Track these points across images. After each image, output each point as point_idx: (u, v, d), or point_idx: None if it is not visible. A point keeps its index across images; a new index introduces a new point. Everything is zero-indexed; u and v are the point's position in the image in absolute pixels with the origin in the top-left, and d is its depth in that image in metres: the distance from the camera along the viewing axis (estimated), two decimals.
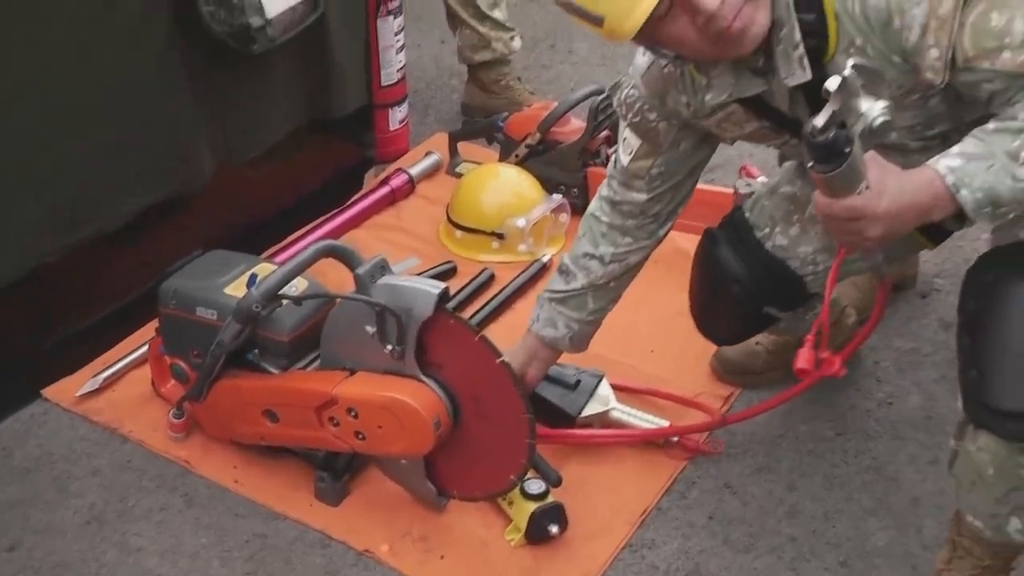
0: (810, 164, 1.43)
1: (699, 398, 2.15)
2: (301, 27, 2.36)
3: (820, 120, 1.38)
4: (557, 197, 2.63)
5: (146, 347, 2.14)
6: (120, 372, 2.19)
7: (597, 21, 1.54)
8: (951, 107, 1.60)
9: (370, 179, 2.88)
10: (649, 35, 1.54)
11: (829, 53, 1.61)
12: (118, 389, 2.18)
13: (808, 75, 1.62)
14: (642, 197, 1.93)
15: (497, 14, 3.14)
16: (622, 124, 1.92)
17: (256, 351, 1.93)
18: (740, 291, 1.92)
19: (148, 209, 2.27)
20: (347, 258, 1.86)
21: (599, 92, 2.65)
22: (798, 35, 1.60)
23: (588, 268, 1.99)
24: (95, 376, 2.16)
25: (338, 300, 1.86)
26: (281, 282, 1.84)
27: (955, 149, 1.48)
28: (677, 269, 2.13)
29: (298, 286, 1.92)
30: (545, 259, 2.55)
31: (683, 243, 2.31)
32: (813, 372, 1.66)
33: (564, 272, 2.02)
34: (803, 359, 1.65)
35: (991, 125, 1.47)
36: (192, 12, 2.16)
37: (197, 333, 1.93)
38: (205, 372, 1.91)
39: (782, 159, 2.18)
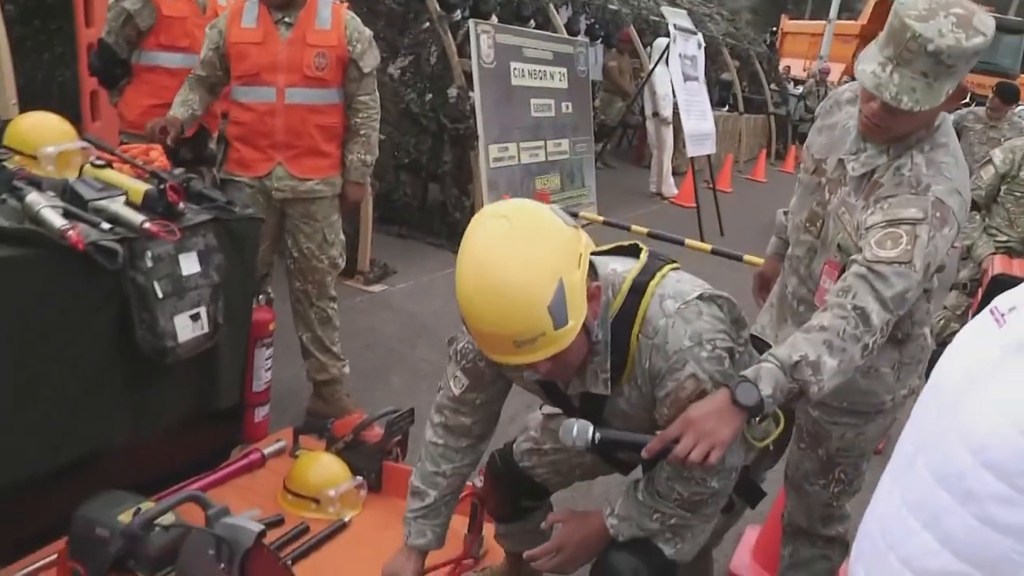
0: None
1: None
2: (200, 349, 2.86)
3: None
4: (359, 478, 3.05)
5: (56, 555, 2.50)
6: (32, 573, 2.49)
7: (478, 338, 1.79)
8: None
9: (236, 453, 3.25)
10: None
11: (621, 381, 1.92)
12: None
13: (607, 391, 1.93)
14: (468, 421, 2.22)
15: (335, 349, 3.73)
16: (455, 366, 2.17)
17: (133, 560, 2.37)
18: (506, 488, 2.45)
19: (74, 460, 2.63)
20: (202, 504, 2.39)
21: (394, 411, 3.18)
22: (608, 366, 1.88)
23: (436, 484, 2.23)
24: None
25: (192, 530, 2.37)
26: (156, 515, 2.36)
27: (620, 511, 2.02)
28: None
29: (168, 519, 2.42)
30: (346, 519, 2.93)
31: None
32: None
33: (418, 494, 2.24)
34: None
35: (649, 500, 2.00)
36: (130, 334, 2.64)
37: (94, 545, 2.37)
38: (95, 573, 2.37)
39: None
